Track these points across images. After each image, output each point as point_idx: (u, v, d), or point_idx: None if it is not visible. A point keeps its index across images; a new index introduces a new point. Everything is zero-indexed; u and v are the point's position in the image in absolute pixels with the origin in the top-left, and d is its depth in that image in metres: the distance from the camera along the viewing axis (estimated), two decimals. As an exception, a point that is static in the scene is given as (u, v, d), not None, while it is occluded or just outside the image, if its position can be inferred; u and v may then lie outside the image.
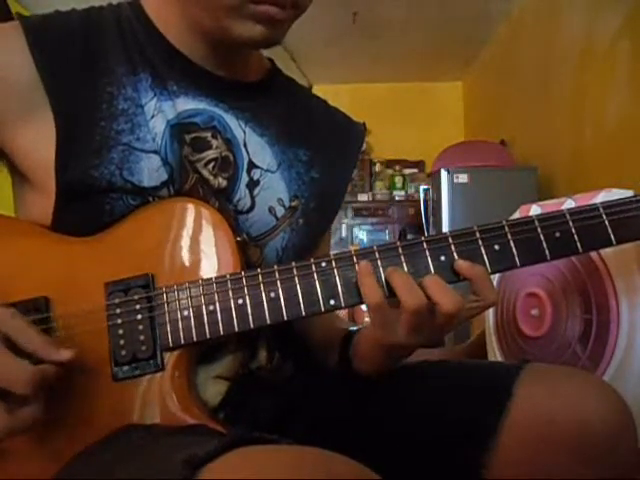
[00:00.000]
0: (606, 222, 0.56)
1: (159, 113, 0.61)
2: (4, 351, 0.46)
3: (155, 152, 0.60)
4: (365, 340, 0.62)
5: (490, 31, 3.25)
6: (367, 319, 0.56)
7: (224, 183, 0.63)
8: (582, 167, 2.15)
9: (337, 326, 0.72)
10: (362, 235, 3.78)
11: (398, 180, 4.03)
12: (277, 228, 0.66)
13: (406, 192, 3.95)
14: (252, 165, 0.66)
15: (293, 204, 0.67)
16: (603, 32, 1.98)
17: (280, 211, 0.67)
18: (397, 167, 4.12)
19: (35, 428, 0.48)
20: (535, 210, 1.11)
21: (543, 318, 1.06)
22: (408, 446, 0.60)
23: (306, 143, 0.71)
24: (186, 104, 0.63)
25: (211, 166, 0.63)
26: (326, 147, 0.74)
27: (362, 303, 0.55)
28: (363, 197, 3.90)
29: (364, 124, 0.82)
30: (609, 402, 0.54)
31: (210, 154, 0.63)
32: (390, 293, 0.53)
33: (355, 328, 0.67)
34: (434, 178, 2.55)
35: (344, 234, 3.76)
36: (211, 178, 0.63)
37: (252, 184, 0.65)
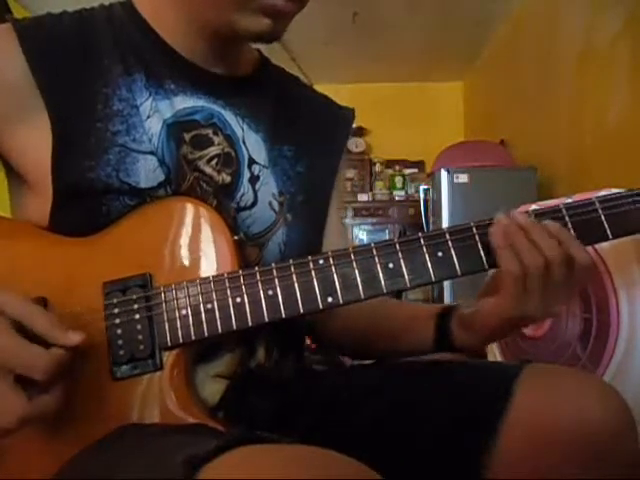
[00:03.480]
0: (602, 217, 0.56)
1: (155, 113, 0.61)
2: (18, 338, 0.47)
3: (151, 153, 0.60)
4: (482, 316, 0.61)
5: (490, 31, 3.25)
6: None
7: (228, 179, 0.64)
8: (582, 167, 2.15)
9: (411, 308, 0.73)
10: (362, 235, 3.78)
11: (398, 180, 4.03)
12: (277, 222, 0.67)
13: (406, 192, 3.96)
14: (252, 161, 0.66)
15: (280, 200, 0.68)
16: (603, 32, 1.98)
17: (277, 206, 0.67)
18: (397, 167, 4.12)
19: (52, 416, 0.48)
20: (535, 210, 1.10)
21: (543, 318, 1.06)
22: (408, 446, 0.60)
23: (291, 138, 0.71)
24: (184, 102, 0.63)
25: (214, 162, 0.63)
26: (312, 138, 0.74)
27: (360, 300, 0.55)
28: (363, 197, 3.90)
29: (353, 109, 0.82)
30: (609, 402, 0.54)
31: (212, 150, 0.63)
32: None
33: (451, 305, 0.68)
34: (434, 178, 2.56)
35: (344, 234, 3.76)
36: (215, 174, 0.63)
37: (254, 179, 0.66)
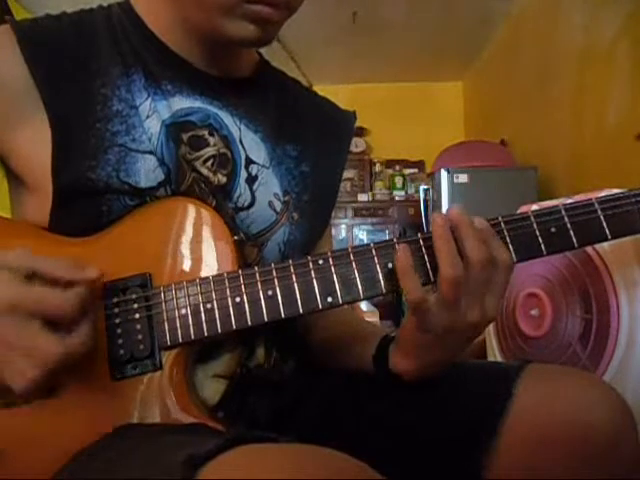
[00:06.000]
0: (601, 217, 0.56)
1: (154, 113, 0.61)
2: (35, 286, 0.47)
3: (151, 153, 0.60)
4: (404, 342, 0.59)
5: (490, 31, 3.25)
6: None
7: (224, 180, 0.64)
8: (582, 167, 2.16)
9: (362, 326, 0.71)
10: (362, 235, 3.78)
11: (398, 180, 4.04)
12: (278, 222, 0.67)
13: (406, 192, 3.97)
14: (249, 161, 0.66)
15: (285, 199, 0.68)
16: (603, 32, 1.98)
17: (278, 205, 0.67)
18: (397, 167, 4.13)
19: (89, 352, 0.49)
20: (535, 210, 1.10)
21: (543, 318, 1.06)
22: (409, 446, 0.60)
23: (295, 138, 0.72)
24: (181, 103, 0.63)
25: (210, 163, 0.63)
26: (316, 139, 0.74)
27: (360, 300, 0.55)
28: (363, 197, 3.91)
29: (354, 112, 0.83)
30: (610, 402, 0.54)
31: (208, 151, 0.63)
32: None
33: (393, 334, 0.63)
34: (434, 178, 2.56)
35: (344, 234, 3.76)
36: (211, 175, 0.63)
37: (251, 180, 0.66)
